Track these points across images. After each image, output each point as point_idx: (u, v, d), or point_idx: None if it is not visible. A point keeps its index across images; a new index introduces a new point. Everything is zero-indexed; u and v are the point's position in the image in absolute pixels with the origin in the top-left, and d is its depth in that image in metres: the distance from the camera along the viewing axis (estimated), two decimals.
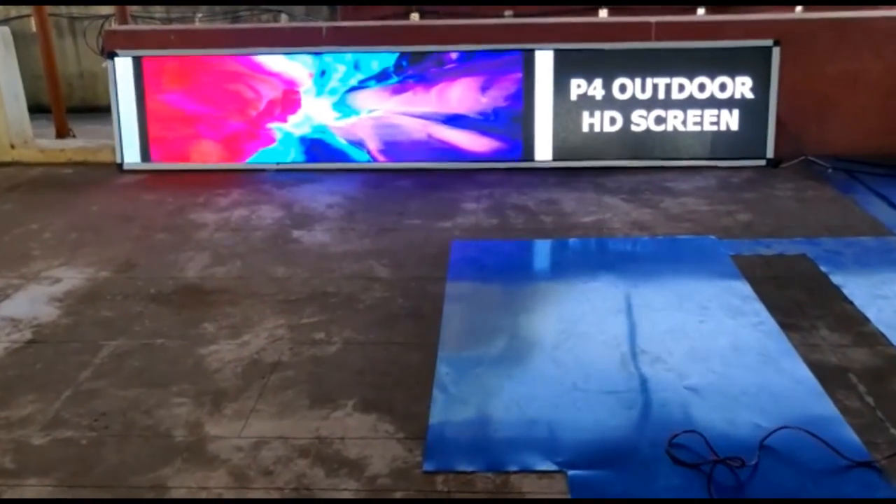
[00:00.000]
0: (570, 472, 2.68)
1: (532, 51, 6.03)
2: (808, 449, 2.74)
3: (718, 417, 2.95)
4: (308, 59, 6.24)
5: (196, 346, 3.57)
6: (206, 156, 6.38)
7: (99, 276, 4.35)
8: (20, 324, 3.83)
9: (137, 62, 6.28)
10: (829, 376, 3.18)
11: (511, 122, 6.16)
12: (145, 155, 6.36)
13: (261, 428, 2.97)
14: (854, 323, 3.60)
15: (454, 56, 6.16)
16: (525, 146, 6.16)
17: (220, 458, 2.80)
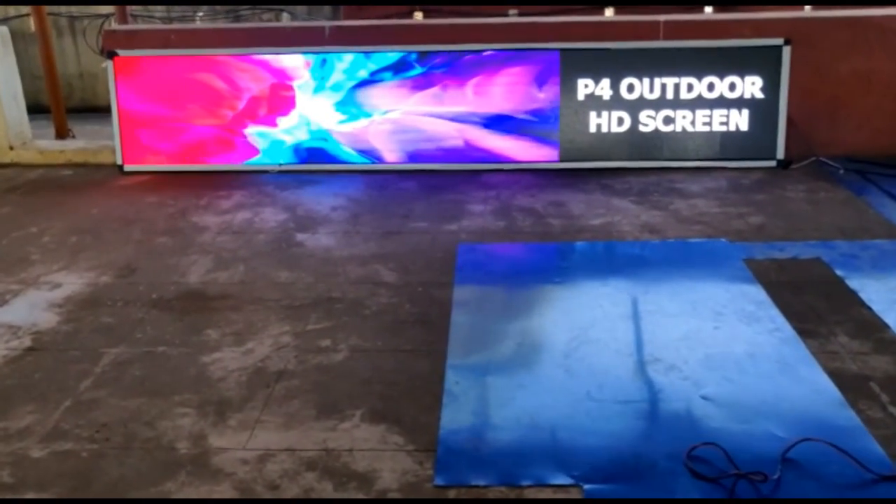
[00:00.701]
0: (586, 486, 2.60)
1: None
2: (831, 462, 2.66)
3: (736, 428, 2.87)
4: None
5: (199, 354, 3.49)
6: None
7: (99, 282, 4.27)
8: (19, 331, 3.75)
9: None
10: (850, 385, 3.09)
11: None
12: None
13: (266, 439, 2.88)
14: (873, 329, 3.51)
15: None
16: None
17: (224, 472, 2.72)
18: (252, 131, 5.40)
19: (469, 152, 5.29)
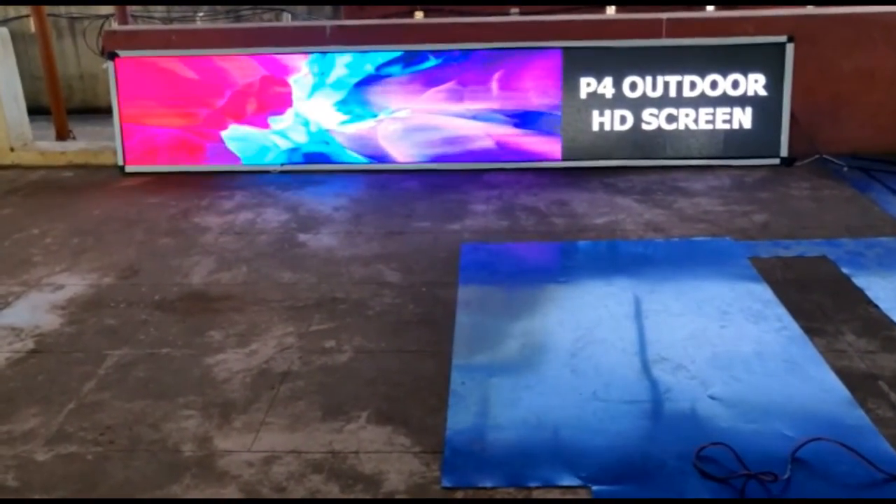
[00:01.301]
0: (595, 488, 2.58)
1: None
2: (841, 462, 2.64)
3: (745, 428, 2.85)
4: None
5: (203, 356, 3.47)
6: None
7: (102, 283, 4.25)
8: (21, 333, 3.73)
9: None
10: (859, 384, 3.07)
11: None
12: None
13: (272, 441, 2.87)
14: (881, 327, 3.49)
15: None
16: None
17: (230, 474, 2.70)
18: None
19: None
